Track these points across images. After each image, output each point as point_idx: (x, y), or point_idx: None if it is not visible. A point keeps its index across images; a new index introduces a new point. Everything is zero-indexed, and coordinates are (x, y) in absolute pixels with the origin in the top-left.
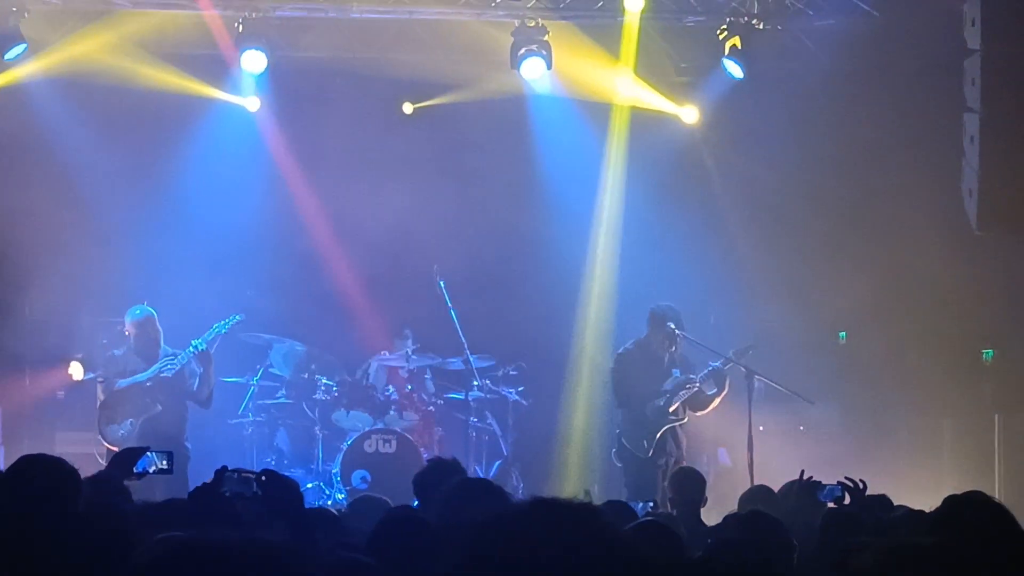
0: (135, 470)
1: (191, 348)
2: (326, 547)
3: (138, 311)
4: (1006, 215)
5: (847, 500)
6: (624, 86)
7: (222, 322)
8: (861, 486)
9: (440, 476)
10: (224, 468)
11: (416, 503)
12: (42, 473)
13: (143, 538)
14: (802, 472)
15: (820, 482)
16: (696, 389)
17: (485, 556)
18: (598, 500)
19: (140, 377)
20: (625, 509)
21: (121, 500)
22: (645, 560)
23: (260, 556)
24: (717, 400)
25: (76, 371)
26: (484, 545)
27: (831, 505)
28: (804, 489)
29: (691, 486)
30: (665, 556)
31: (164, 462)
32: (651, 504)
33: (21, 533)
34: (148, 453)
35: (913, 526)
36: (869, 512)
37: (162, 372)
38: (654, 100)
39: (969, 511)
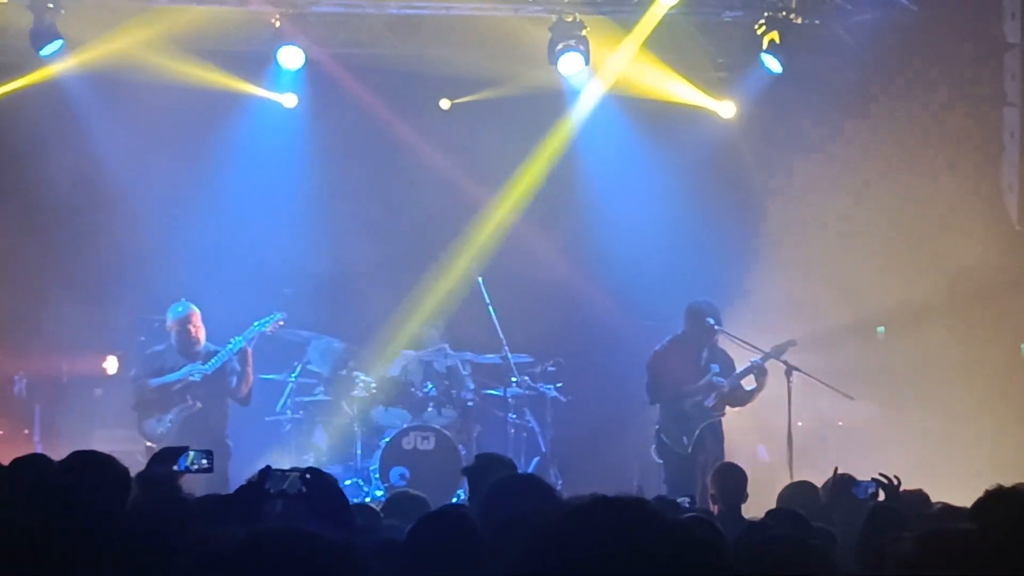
0: (176, 468)
1: (231, 346)
2: (369, 543)
3: (180, 307)
4: None
5: (881, 496)
6: (662, 81)
7: (263, 320)
8: (896, 482)
9: (490, 471)
10: (268, 467)
11: (460, 496)
12: (94, 470)
13: (190, 534)
14: (835, 469)
15: (854, 477)
16: (727, 392)
17: (548, 556)
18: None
19: (169, 378)
20: (671, 505)
21: (170, 493)
22: (704, 552)
23: (315, 550)
24: (756, 396)
25: (111, 365)
26: (547, 546)
27: (875, 499)
28: (838, 485)
29: (733, 482)
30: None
31: (204, 460)
32: (687, 500)
33: (72, 529)
34: (188, 451)
35: (952, 520)
36: (908, 507)
37: (191, 376)
38: (692, 95)
39: (1008, 501)
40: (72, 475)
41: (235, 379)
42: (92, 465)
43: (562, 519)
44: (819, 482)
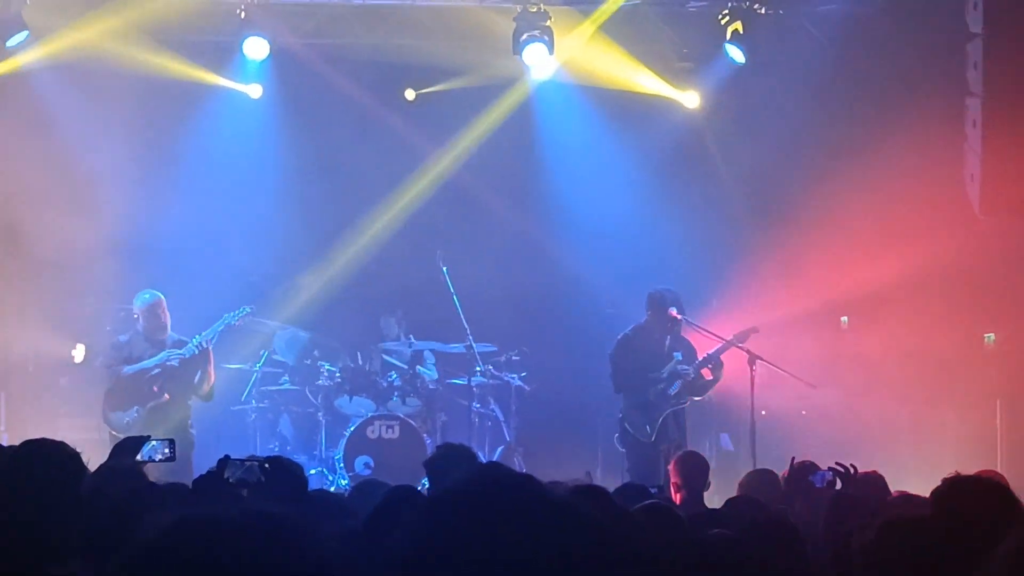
0: (138, 459)
1: (194, 344)
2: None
3: (147, 295)
4: (1008, 200)
5: (839, 485)
6: (627, 71)
7: (231, 313)
8: (852, 471)
9: (451, 462)
10: (227, 456)
11: (425, 485)
12: (45, 456)
13: (147, 520)
14: (792, 459)
15: (815, 465)
16: (691, 379)
17: (430, 533)
18: (602, 485)
19: (147, 364)
20: (642, 492)
21: (131, 482)
22: (587, 526)
23: (268, 529)
24: (713, 388)
25: (78, 353)
26: (429, 522)
27: (832, 487)
28: (796, 473)
29: (695, 470)
30: (667, 539)
31: (167, 450)
32: (655, 489)
33: (26, 515)
34: (151, 441)
35: (911, 508)
36: (866, 491)
37: (168, 361)
38: (657, 86)
39: (967, 489)
40: (21, 462)
41: (198, 375)
42: (41, 451)
43: (447, 496)
44: (782, 470)
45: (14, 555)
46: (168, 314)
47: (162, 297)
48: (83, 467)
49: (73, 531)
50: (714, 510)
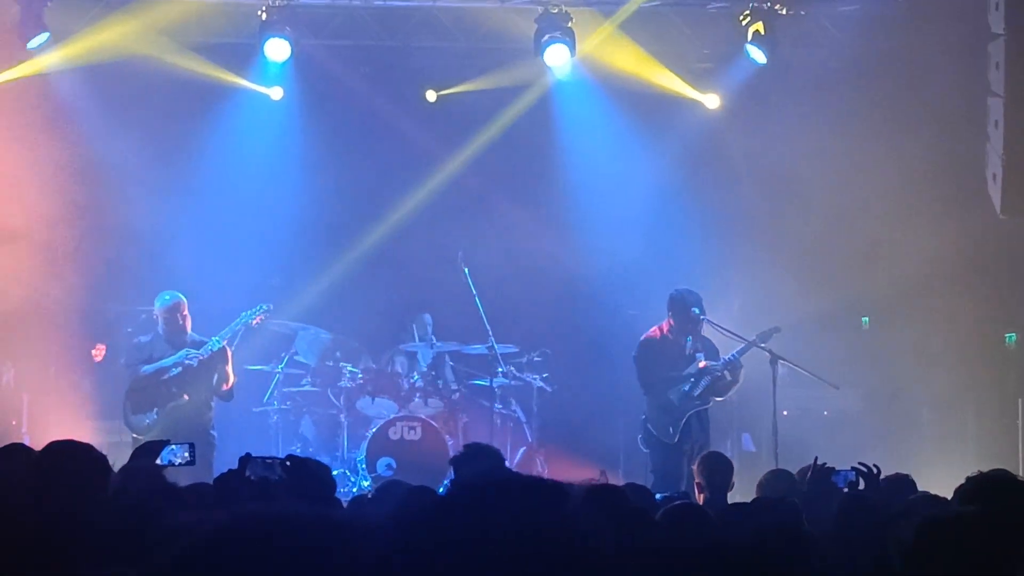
0: (158, 462)
1: (211, 344)
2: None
3: (167, 297)
4: None
5: (861, 485)
6: (647, 73)
7: (249, 311)
8: (875, 471)
9: (478, 461)
10: (248, 455)
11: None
12: (71, 458)
13: (172, 521)
14: (815, 458)
15: (834, 468)
16: (719, 375)
17: (444, 527)
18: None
19: (166, 362)
20: (647, 493)
21: (154, 482)
22: (597, 533)
23: (302, 529)
24: (734, 389)
25: (99, 353)
26: (445, 518)
27: (855, 488)
28: (818, 474)
29: (719, 471)
30: (695, 537)
31: (186, 453)
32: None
33: (52, 516)
34: (170, 445)
35: (936, 507)
36: (887, 494)
37: (187, 360)
38: (676, 86)
39: (990, 486)
40: (50, 464)
41: (217, 376)
42: (69, 453)
43: (463, 493)
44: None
45: (44, 557)
46: (189, 316)
47: (183, 298)
48: (109, 469)
49: (101, 533)
50: (736, 508)
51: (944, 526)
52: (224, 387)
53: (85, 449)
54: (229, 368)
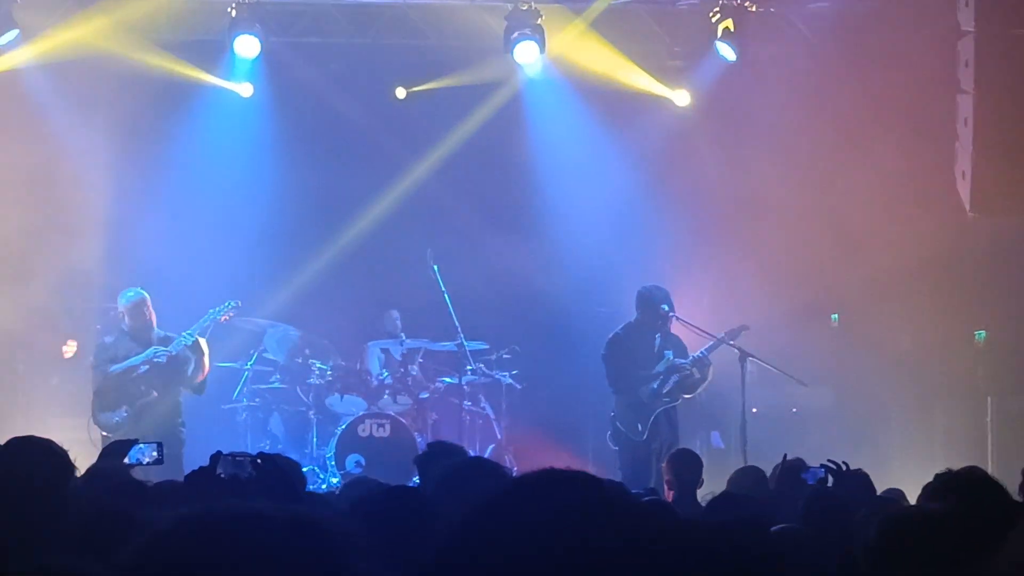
0: (126, 461)
1: (182, 339)
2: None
3: (131, 293)
4: (999, 197)
5: (830, 482)
6: (617, 70)
7: (217, 308)
8: (844, 468)
9: (442, 459)
10: (219, 452)
11: (416, 483)
12: (31, 454)
13: (140, 518)
14: (784, 455)
15: (804, 463)
16: (688, 372)
17: (492, 524)
18: None
19: (134, 361)
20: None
21: (119, 481)
22: (652, 527)
23: (299, 526)
24: (702, 387)
25: (69, 349)
26: (491, 513)
27: (824, 484)
28: (787, 471)
29: (689, 468)
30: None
31: (155, 452)
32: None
33: (12, 514)
34: (138, 444)
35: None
36: (853, 491)
37: (156, 357)
38: (646, 83)
39: (957, 484)
40: (7, 459)
41: (191, 367)
42: (29, 449)
43: (509, 488)
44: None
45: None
46: (153, 312)
47: (146, 295)
48: (70, 465)
49: (60, 529)
50: (705, 504)
51: (905, 523)
52: (199, 377)
53: (44, 444)
54: (206, 360)
